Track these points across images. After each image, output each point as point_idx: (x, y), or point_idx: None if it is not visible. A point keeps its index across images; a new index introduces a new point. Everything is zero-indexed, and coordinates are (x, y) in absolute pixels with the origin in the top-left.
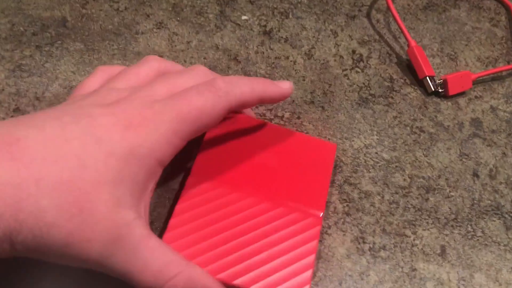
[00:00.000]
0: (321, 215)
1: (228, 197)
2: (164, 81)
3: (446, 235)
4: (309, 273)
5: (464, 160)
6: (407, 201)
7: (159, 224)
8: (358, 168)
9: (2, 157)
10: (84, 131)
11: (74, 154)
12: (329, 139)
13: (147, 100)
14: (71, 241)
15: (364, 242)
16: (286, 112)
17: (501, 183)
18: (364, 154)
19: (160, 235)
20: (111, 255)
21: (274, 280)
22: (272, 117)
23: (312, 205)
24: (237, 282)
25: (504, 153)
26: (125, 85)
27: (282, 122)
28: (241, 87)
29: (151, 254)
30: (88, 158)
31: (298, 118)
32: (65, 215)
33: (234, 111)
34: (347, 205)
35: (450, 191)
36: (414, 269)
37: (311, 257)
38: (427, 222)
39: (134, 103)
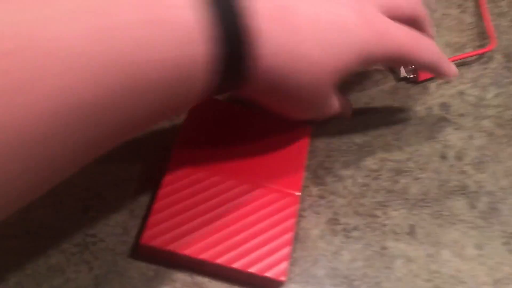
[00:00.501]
0: (297, 194)
1: (208, 181)
2: None
3: (415, 214)
4: (287, 249)
5: (432, 143)
6: (378, 184)
7: (141, 212)
8: (332, 153)
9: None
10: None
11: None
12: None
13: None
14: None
15: (337, 224)
16: None
17: (467, 164)
18: (337, 140)
19: (142, 222)
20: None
21: (255, 257)
22: None
23: (289, 186)
24: (219, 261)
25: (470, 136)
26: None
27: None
28: (431, 55)
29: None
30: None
31: None
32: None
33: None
34: (321, 189)
35: (419, 173)
36: (385, 248)
37: (290, 235)
38: (397, 203)
39: (372, 9)
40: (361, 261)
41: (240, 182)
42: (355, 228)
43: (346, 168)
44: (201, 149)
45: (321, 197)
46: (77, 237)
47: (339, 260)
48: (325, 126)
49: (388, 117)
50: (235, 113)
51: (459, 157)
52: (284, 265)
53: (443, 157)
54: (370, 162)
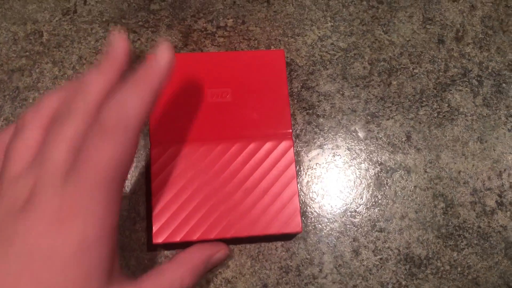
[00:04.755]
0: (290, 131)
1: (198, 152)
2: (58, 142)
3: (411, 119)
4: (296, 199)
5: (428, 26)
6: (369, 92)
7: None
8: (314, 68)
9: None
10: (23, 261)
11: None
12: (279, 40)
13: (58, 180)
14: None
15: (328, 148)
16: (228, 19)
17: (468, 44)
18: (320, 49)
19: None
20: None
21: (268, 218)
22: (215, 29)
23: (279, 127)
24: (233, 234)
25: (472, 6)
26: (20, 165)
27: (227, 33)
28: (134, 107)
29: None
30: (45, 282)
31: (243, 23)
32: None
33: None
34: (307, 113)
35: (413, 68)
36: (380, 164)
37: (294, 183)
38: (391, 110)
39: (48, 192)
40: (357, 182)
41: (231, 142)
42: (348, 149)
43: (332, 82)
44: (178, 120)
45: (308, 123)
46: None
47: (334, 186)
48: (304, 34)
49: (375, 5)
50: (199, 62)
51: (458, 38)
52: (297, 218)
53: (441, 41)
54: (358, 69)
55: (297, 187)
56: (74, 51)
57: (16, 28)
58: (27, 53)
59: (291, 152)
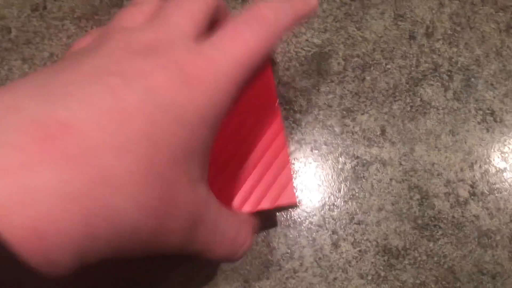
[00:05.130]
0: (276, 104)
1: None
2: (178, 9)
3: (385, 113)
4: (288, 169)
5: (399, 23)
6: (344, 87)
7: None
8: (290, 64)
9: (51, 156)
10: (144, 98)
11: (141, 132)
12: None
13: (187, 42)
14: (153, 239)
15: (305, 143)
16: None
17: (438, 39)
18: (294, 45)
19: None
20: (193, 239)
21: (260, 192)
22: None
23: (264, 100)
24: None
25: (440, 3)
26: (140, 19)
27: None
28: (286, 12)
29: (225, 225)
30: (158, 133)
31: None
32: (146, 212)
33: None
34: (284, 108)
35: (386, 64)
36: (357, 157)
37: (285, 151)
38: (365, 105)
39: (179, 47)
40: (333, 176)
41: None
42: (324, 143)
43: (308, 78)
44: None
45: (285, 118)
46: None
47: (311, 181)
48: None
49: (347, 2)
50: None
51: (428, 34)
52: (290, 189)
53: (412, 37)
54: (333, 65)
55: (289, 157)
56: (45, 48)
57: None
58: None
59: (279, 121)
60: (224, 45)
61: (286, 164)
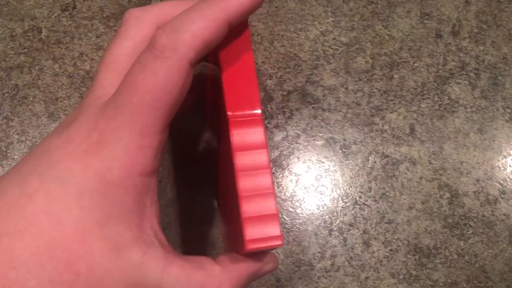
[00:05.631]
0: (259, 112)
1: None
2: (102, 63)
3: (414, 111)
4: (273, 206)
5: (425, 21)
6: (372, 86)
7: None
8: (317, 62)
9: None
10: (44, 177)
11: (42, 211)
12: (282, 35)
13: (97, 104)
14: None
15: (334, 142)
16: None
17: (464, 38)
18: (322, 44)
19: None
20: None
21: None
22: None
23: (247, 107)
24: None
25: (467, 1)
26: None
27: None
28: (195, 25)
29: (177, 284)
30: (59, 209)
31: None
32: (61, 287)
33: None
34: (313, 107)
35: (414, 62)
36: (386, 156)
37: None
38: (394, 103)
39: (87, 112)
40: (363, 176)
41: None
42: (354, 143)
43: (336, 76)
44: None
45: (314, 117)
46: None
47: (342, 180)
48: (306, 29)
49: (374, 0)
50: None
51: (455, 32)
52: (277, 229)
53: (438, 35)
54: (361, 63)
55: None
56: (75, 47)
57: (13, 25)
58: (26, 50)
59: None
60: (119, 96)
61: (272, 200)
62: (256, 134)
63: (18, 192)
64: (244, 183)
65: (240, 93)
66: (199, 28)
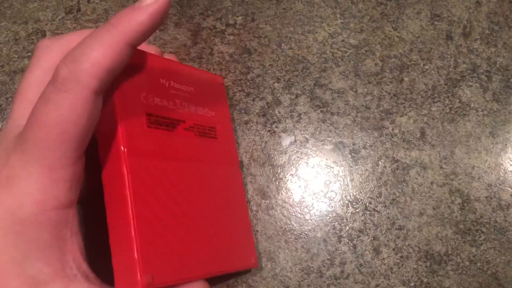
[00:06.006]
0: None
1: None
2: (16, 98)
3: (424, 115)
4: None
5: (436, 22)
6: (381, 89)
7: None
8: (326, 65)
9: None
10: None
11: None
12: (290, 37)
13: (11, 140)
14: None
15: (344, 146)
16: (237, 17)
17: (475, 39)
18: (331, 46)
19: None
20: None
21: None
22: (224, 27)
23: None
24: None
25: (478, 2)
26: None
27: (236, 31)
28: (94, 53)
29: None
30: None
31: (253, 20)
32: None
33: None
34: (321, 111)
35: (424, 65)
36: (396, 160)
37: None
38: (404, 107)
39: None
40: (373, 181)
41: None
42: (363, 147)
43: (345, 79)
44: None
45: (323, 121)
46: None
47: (351, 185)
48: (314, 31)
49: (383, 1)
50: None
51: (466, 34)
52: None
53: (449, 37)
54: (370, 65)
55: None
56: None
57: (17, 28)
58: (30, 54)
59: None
60: (26, 131)
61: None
62: None
63: None
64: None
65: None
66: (99, 56)
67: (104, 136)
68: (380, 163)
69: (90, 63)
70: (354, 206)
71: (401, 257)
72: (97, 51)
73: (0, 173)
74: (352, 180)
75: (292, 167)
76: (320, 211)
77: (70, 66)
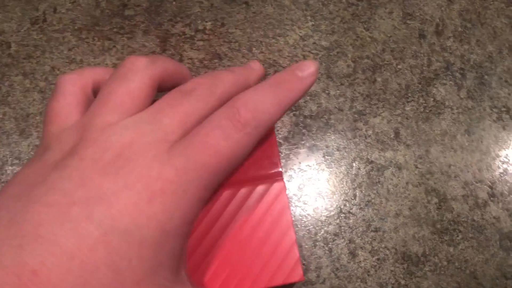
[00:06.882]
0: (280, 170)
1: None
2: (172, 108)
3: (398, 115)
4: (295, 246)
5: (408, 21)
6: (354, 90)
7: None
8: None
9: None
10: (104, 228)
11: (103, 262)
12: (260, 41)
13: (161, 148)
14: None
15: (317, 149)
16: (207, 22)
17: (448, 37)
18: (302, 49)
19: None
20: None
21: (267, 274)
22: (193, 33)
23: (268, 167)
24: None
25: (449, 0)
26: (117, 115)
27: (206, 37)
28: (269, 109)
29: None
30: (119, 260)
31: (222, 25)
32: None
33: None
34: (294, 114)
35: (397, 64)
36: (371, 162)
37: (291, 229)
38: (377, 107)
39: (147, 157)
40: (347, 183)
41: (221, 190)
42: (337, 149)
43: (317, 82)
44: None
45: (295, 124)
46: None
47: (325, 188)
48: (285, 35)
49: (354, 2)
50: None
51: (439, 32)
52: (298, 267)
53: (422, 36)
54: (342, 67)
55: (295, 234)
56: (46, 61)
57: None
58: None
59: (284, 196)
60: (194, 152)
61: (292, 243)
62: None
63: (75, 242)
64: None
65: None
66: (275, 112)
67: None
68: (354, 164)
69: (269, 115)
70: (329, 209)
71: (378, 259)
72: (272, 107)
73: (155, 184)
74: (326, 183)
75: None
76: (294, 216)
77: (254, 113)
